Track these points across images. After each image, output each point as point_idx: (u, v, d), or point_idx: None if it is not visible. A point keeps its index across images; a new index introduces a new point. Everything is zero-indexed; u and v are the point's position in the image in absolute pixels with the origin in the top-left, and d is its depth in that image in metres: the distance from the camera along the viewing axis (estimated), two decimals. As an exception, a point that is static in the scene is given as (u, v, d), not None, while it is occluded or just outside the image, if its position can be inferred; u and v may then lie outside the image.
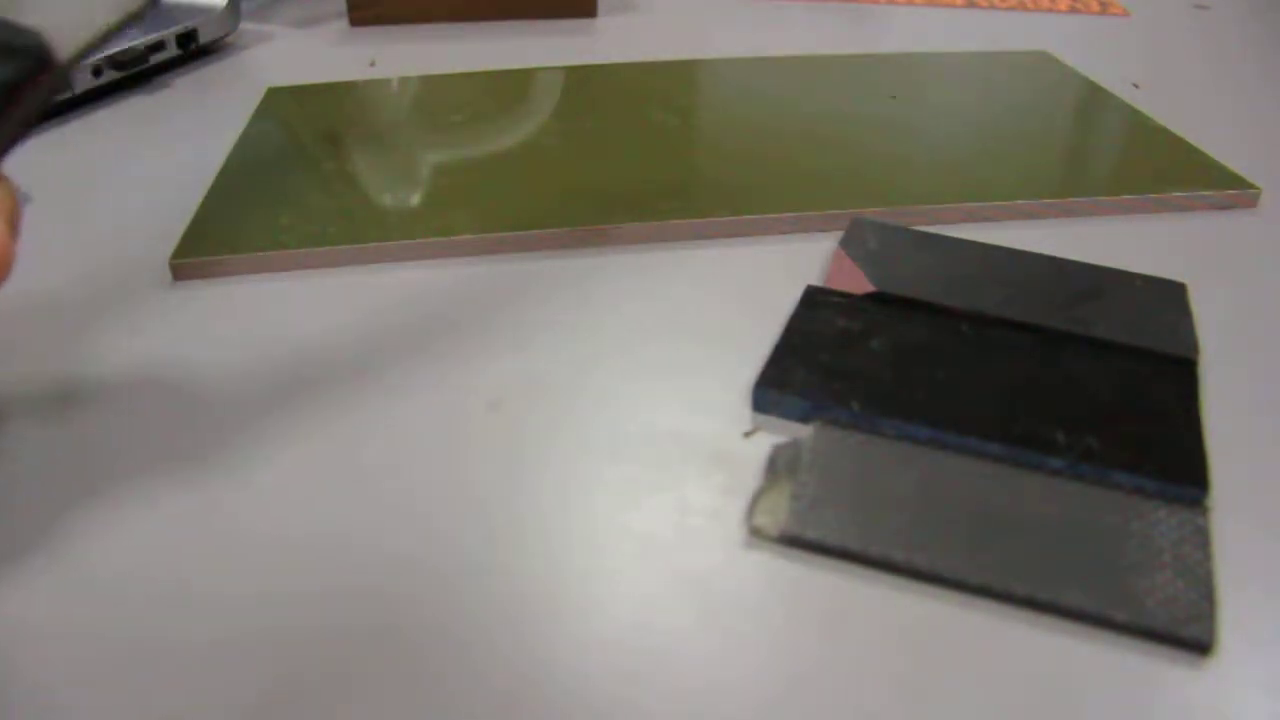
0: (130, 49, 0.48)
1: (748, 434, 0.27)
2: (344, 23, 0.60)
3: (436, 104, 0.47)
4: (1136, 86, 0.50)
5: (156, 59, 0.50)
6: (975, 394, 0.27)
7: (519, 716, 0.19)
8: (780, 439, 0.27)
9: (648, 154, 0.41)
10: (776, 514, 0.24)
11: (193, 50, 0.52)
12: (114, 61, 0.47)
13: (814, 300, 0.31)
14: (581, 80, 0.49)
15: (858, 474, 0.25)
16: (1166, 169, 0.40)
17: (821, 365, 0.28)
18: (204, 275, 0.34)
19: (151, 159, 0.43)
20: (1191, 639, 0.21)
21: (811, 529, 0.23)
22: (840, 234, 0.35)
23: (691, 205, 0.37)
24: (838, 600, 0.22)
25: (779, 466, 0.25)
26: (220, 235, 0.35)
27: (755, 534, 0.24)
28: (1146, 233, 0.37)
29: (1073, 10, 0.64)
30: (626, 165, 0.40)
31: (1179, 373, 0.28)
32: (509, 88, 0.48)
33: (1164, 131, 0.44)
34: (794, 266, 0.34)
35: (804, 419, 0.27)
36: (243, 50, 0.55)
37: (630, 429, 0.27)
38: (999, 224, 0.37)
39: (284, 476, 0.25)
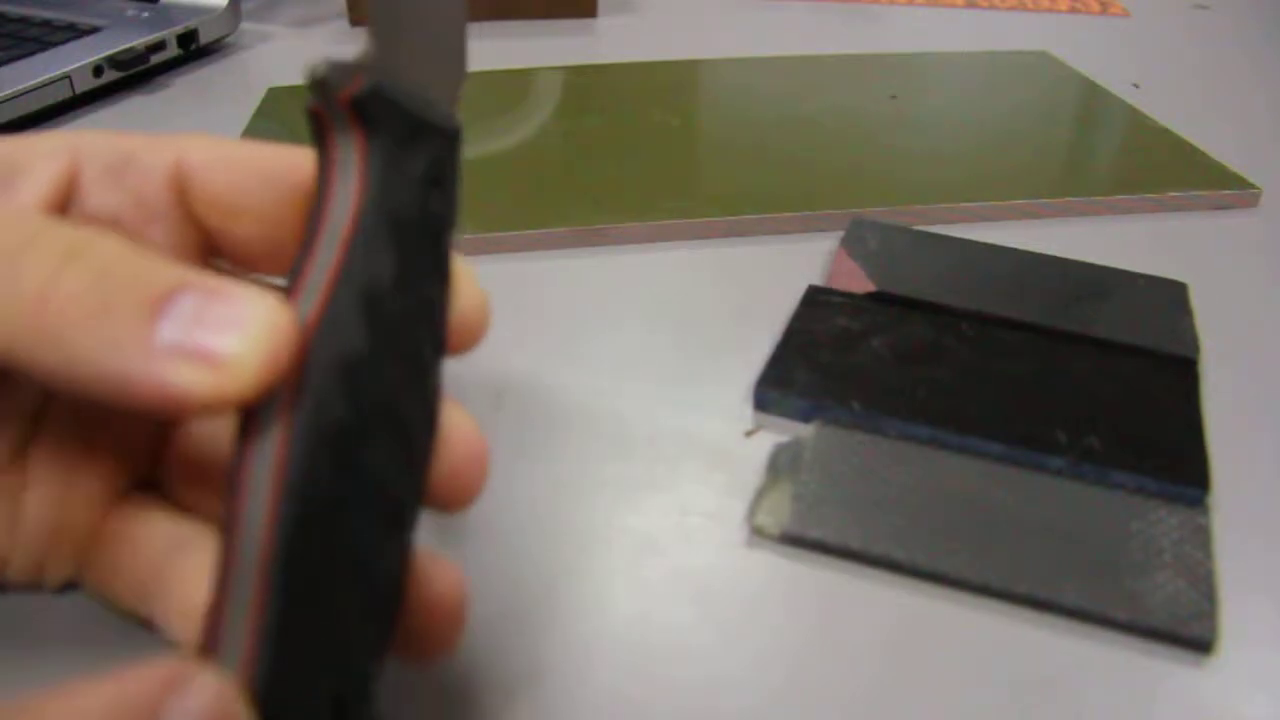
0: (130, 49, 0.48)
1: (749, 433, 0.27)
2: (344, 23, 0.60)
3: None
4: (1136, 86, 0.50)
5: (157, 59, 0.50)
6: (976, 394, 0.27)
7: (520, 713, 0.19)
8: (782, 438, 0.27)
9: (648, 154, 0.41)
10: (778, 513, 0.24)
11: (193, 50, 0.52)
12: (114, 61, 0.47)
13: (815, 300, 0.31)
14: (581, 80, 0.49)
15: (859, 473, 0.25)
16: (1166, 169, 0.40)
17: (823, 365, 0.28)
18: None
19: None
20: (1192, 638, 0.21)
21: (813, 528, 0.23)
22: (840, 234, 0.35)
23: (691, 205, 0.37)
24: (839, 599, 0.22)
25: (780, 466, 0.25)
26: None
27: (757, 533, 0.24)
28: (1146, 233, 0.37)
29: (1073, 10, 0.64)
30: (626, 165, 0.40)
31: (1180, 372, 0.28)
32: (509, 88, 0.48)
33: (1164, 131, 0.44)
34: (794, 266, 0.34)
35: (805, 418, 0.27)
36: (243, 50, 0.55)
37: (631, 429, 0.27)
38: (999, 224, 0.37)
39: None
